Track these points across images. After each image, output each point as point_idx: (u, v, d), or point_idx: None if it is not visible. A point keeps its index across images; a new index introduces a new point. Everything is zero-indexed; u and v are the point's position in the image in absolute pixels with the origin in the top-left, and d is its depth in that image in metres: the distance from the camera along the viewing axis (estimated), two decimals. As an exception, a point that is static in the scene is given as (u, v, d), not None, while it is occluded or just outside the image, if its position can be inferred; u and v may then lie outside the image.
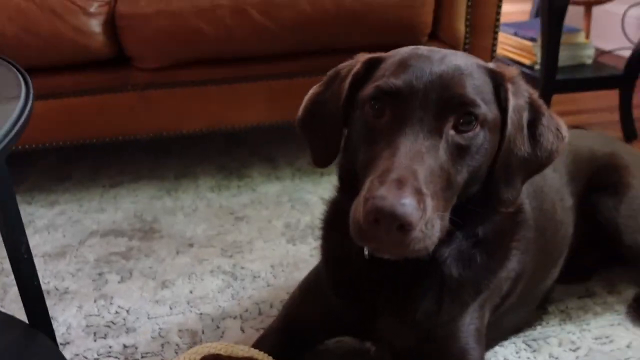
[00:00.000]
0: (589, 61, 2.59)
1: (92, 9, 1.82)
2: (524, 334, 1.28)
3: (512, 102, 0.88)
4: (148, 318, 1.38)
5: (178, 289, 1.49)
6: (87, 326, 1.36)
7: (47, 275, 1.56)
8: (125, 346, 1.29)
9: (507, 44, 2.83)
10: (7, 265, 1.10)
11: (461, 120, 0.83)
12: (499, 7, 1.97)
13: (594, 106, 2.73)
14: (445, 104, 0.82)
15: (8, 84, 0.95)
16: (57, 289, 1.51)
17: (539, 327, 1.31)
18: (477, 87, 0.85)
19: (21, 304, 1.12)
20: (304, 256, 1.61)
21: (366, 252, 0.93)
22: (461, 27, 1.96)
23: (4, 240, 1.04)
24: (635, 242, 1.30)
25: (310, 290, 1.19)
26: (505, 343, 1.26)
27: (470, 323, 1.00)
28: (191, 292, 1.48)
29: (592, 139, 1.46)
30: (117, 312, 1.41)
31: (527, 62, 2.65)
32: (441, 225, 0.80)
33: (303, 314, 1.18)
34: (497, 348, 1.24)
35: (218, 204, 1.94)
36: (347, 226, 0.81)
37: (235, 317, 1.37)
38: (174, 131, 2.03)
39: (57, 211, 1.94)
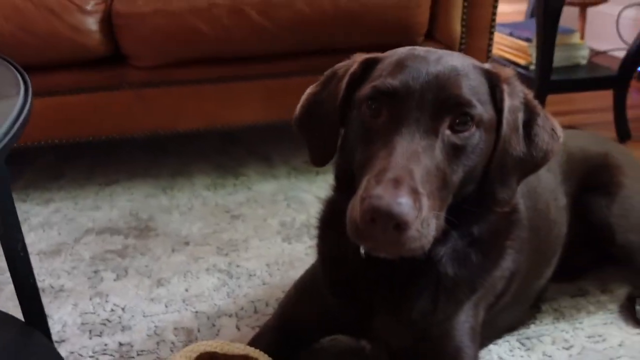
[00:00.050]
0: (584, 62, 2.61)
1: (88, 7, 1.82)
2: (518, 333, 1.29)
3: (507, 103, 0.88)
4: (143, 316, 1.38)
5: (173, 287, 1.49)
6: (83, 324, 1.36)
7: (42, 273, 1.56)
8: (120, 344, 1.29)
9: (503, 44, 2.84)
10: (2, 263, 1.10)
11: (457, 121, 0.84)
12: (495, 7, 1.98)
13: (588, 106, 2.74)
14: (442, 104, 0.83)
15: (7, 83, 0.95)
16: (52, 287, 1.51)
17: (532, 326, 1.32)
18: (473, 87, 0.86)
19: (17, 302, 1.12)
20: (300, 255, 1.62)
21: (362, 251, 0.94)
22: (457, 27, 1.97)
23: (0, 238, 1.04)
24: (628, 242, 1.31)
25: (306, 289, 1.19)
26: (500, 341, 1.27)
27: (465, 321, 1.01)
28: (187, 290, 1.48)
29: (586, 139, 1.47)
30: (112, 310, 1.41)
31: (522, 62, 2.66)
32: (437, 225, 0.80)
33: (299, 312, 1.19)
34: (491, 346, 1.25)
35: (214, 202, 1.94)
36: (343, 225, 0.81)
37: (230, 316, 1.37)
38: (170, 130, 2.03)
39: (52, 209, 1.93)
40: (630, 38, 2.84)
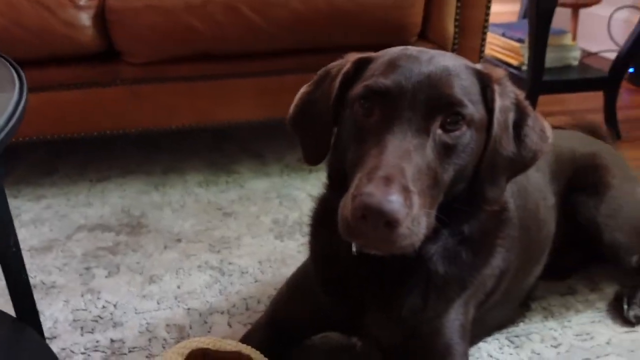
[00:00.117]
0: (575, 63, 2.63)
1: (81, 3, 1.81)
2: (507, 331, 1.31)
3: (498, 103, 0.89)
4: (135, 313, 1.38)
5: (165, 284, 1.50)
6: (74, 320, 1.36)
7: (33, 270, 1.56)
8: (112, 341, 1.29)
9: (495, 45, 2.86)
10: (-6, 258, 1.10)
11: (448, 120, 0.84)
12: (488, 8, 1.99)
13: (579, 107, 2.77)
14: (433, 103, 0.84)
15: (2, 78, 0.94)
16: (43, 283, 1.50)
17: (521, 324, 1.33)
18: (465, 87, 0.87)
19: (8, 298, 1.12)
20: (292, 252, 1.62)
21: (354, 249, 0.95)
22: (450, 27, 1.98)
23: (-8, 234, 1.04)
24: (615, 241, 1.33)
25: (297, 286, 1.20)
26: (489, 339, 1.28)
27: (455, 319, 1.02)
28: (179, 287, 1.48)
29: (575, 139, 1.49)
30: (104, 307, 1.41)
31: (514, 62, 2.68)
32: (427, 222, 0.81)
33: (290, 309, 1.19)
34: (480, 344, 1.26)
35: (206, 199, 1.94)
36: (335, 223, 0.82)
37: (222, 313, 1.38)
38: (162, 126, 2.02)
39: (43, 205, 1.93)
40: (621, 40, 2.86)
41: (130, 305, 1.41)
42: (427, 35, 2.04)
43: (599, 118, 2.45)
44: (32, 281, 1.46)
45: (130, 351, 1.26)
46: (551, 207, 1.30)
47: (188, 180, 2.08)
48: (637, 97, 2.95)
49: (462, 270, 0.99)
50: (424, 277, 0.98)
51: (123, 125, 1.99)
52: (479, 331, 1.19)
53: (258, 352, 1.07)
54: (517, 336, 1.30)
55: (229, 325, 1.34)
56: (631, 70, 2.98)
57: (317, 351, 1.25)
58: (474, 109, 0.86)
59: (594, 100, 2.57)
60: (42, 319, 1.30)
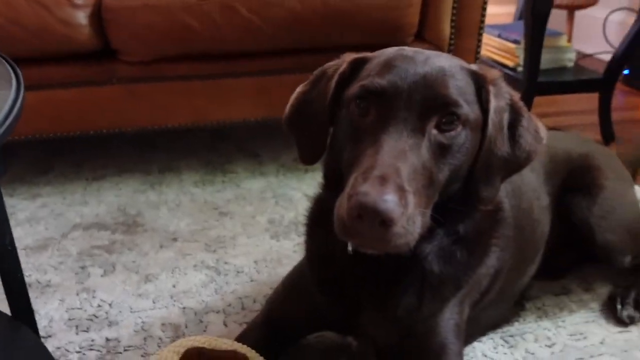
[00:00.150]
0: (571, 64, 2.64)
1: (78, 1, 1.81)
2: (502, 330, 1.31)
3: (493, 104, 0.90)
4: (131, 312, 1.38)
5: (161, 283, 1.50)
6: (70, 319, 1.36)
7: (28, 268, 1.56)
8: (107, 339, 1.29)
9: (491, 46, 2.87)
10: (-11, 257, 1.09)
11: (444, 120, 0.85)
12: (484, 9, 2.00)
13: (574, 108, 2.78)
14: (429, 103, 0.84)
15: (-1, 77, 0.94)
16: (39, 282, 1.50)
17: (516, 324, 1.34)
18: (460, 88, 0.87)
19: (3, 297, 1.12)
20: (288, 252, 1.62)
21: (350, 248, 0.95)
22: (446, 28, 1.99)
23: (-12, 233, 1.04)
24: (607, 242, 1.34)
25: (293, 286, 1.20)
26: (484, 339, 1.29)
27: (449, 318, 1.03)
28: (174, 286, 1.48)
29: (569, 140, 1.49)
30: (99, 306, 1.41)
31: (510, 63, 2.69)
32: (422, 222, 0.82)
33: (286, 309, 1.19)
34: (475, 344, 1.27)
35: (202, 199, 1.94)
36: (331, 223, 0.82)
37: (218, 312, 1.38)
38: (159, 125, 2.02)
39: (39, 204, 1.92)
40: (616, 42, 2.88)
41: (126, 304, 1.41)
42: (424, 36, 2.04)
43: (593, 119, 2.47)
44: (27, 280, 1.47)
45: (125, 350, 1.26)
46: (545, 208, 1.31)
47: (184, 179, 2.08)
48: (632, 99, 2.97)
49: (457, 270, 1.00)
50: (419, 276, 0.98)
51: (119, 124, 1.99)
52: (473, 330, 1.20)
53: (253, 351, 1.07)
54: (511, 336, 1.30)
55: (225, 324, 1.34)
56: (626, 72, 3.00)
57: (312, 351, 1.26)
58: (469, 109, 0.87)
59: (589, 101, 2.58)
60: (37, 317, 1.30)
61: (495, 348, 1.26)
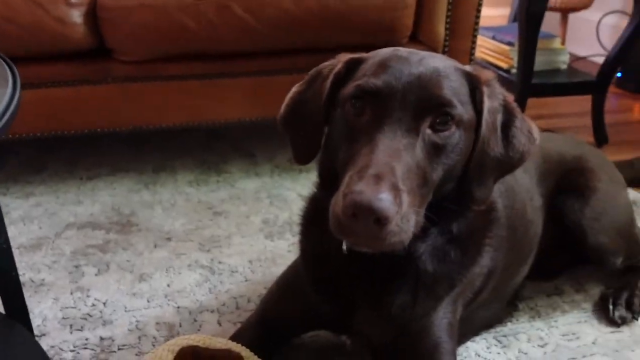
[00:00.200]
0: (564, 67, 2.65)
1: (73, 0, 1.80)
2: (495, 330, 1.32)
3: (487, 104, 0.91)
4: (125, 311, 1.38)
5: (156, 282, 1.50)
6: (63, 318, 1.36)
7: (22, 267, 1.55)
8: (101, 338, 1.29)
9: (486, 48, 2.88)
10: (-17, 256, 1.09)
11: (438, 120, 0.86)
12: (479, 11, 2.01)
13: (567, 110, 2.80)
14: (423, 104, 0.85)
15: (-5, 75, 0.94)
16: (32, 281, 1.50)
17: (509, 324, 1.35)
18: (454, 88, 0.88)
19: (-3, 295, 1.12)
20: (282, 252, 1.63)
21: (344, 247, 0.96)
22: (441, 30, 2.00)
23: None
24: (599, 244, 1.35)
25: (288, 285, 1.20)
26: (477, 338, 1.29)
27: (443, 317, 1.03)
28: (169, 285, 1.48)
29: (562, 142, 1.50)
30: (93, 305, 1.41)
31: (504, 65, 2.70)
32: (416, 221, 0.82)
33: (280, 308, 1.20)
34: (468, 343, 1.27)
35: (197, 198, 1.94)
36: (325, 222, 0.83)
37: (212, 311, 1.38)
38: (153, 125, 2.02)
39: (32, 203, 1.92)
40: (609, 44, 2.90)
41: (120, 303, 1.41)
42: (418, 37, 2.05)
43: (586, 122, 2.48)
44: (21, 279, 1.46)
45: (119, 349, 1.26)
46: (538, 209, 1.32)
47: (179, 179, 2.08)
48: (624, 101, 3.00)
49: (450, 269, 1.00)
50: (414, 275, 0.99)
51: (114, 123, 1.99)
52: (467, 330, 1.21)
53: (248, 349, 1.07)
54: (504, 336, 1.31)
55: (219, 323, 1.34)
56: (619, 74, 3.02)
57: (307, 350, 1.26)
58: (463, 109, 0.87)
59: (582, 103, 2.60)
60: (31, 316, 1.29)
61: (488, 348, 1.27)
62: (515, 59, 2.49)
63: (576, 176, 1.36)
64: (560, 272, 1.52)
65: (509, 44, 2.68)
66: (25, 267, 1.56)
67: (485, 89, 0.91)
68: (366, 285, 1.01)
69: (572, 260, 1.50)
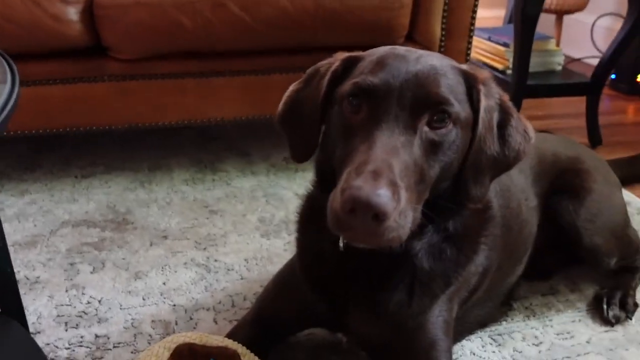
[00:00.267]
0: (559, 68, 2.67)
1: (69, -3, 1.80)
2: (490, 329, 1.33)
3: (483, 103, 0.91)
4: (120, 308, 1.38)
5: (151, 280, 1.49)
6: (58, 316, 1.35)
7: (17, 265, 1.54)
8: (97, 336, 1.29)
9: (481, 48, 2.89)
10: (-22, 252, 1.09)
11: (435, 118, 0.86)
12: (474, 12, 2.02)
13: (562, 112, 2.81)
14: (420, 101, 0.85)
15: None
16: (27, 279, 1.49)
17: (504, 323, 1.35)
18: (451, 86, 0.88)
19: (-8, 292, 1.12)
20: (278, 250, 1.63)
21: (341, 244, 0.96)
22: (437, 30, 2.00)
23: (-22, 228, 1.03)
24: (593, 245, 1.35)
25: (284, 283, 1.20)
26: (472, 337, 1.30)
27: (439, 315, 1.04)
28: (164, 283, 1.48)
29: (557, 142, 1.51)
30: (89, 302, 1.40)
31: (499, 66, 2.71)
32: (414, 217, 0.83)
33: (276, 306, 1.20)
34: (464, 342, 1.28)
35: (192, 197, 1.94)
36: (322, 221, 0.83)
37: (208, 309, 1.38)
38: (149, 123, 2.01)
39: (27, 200, 1.91)
40: (604, 46, 2.92)
41: (116, 301, 1.41)
42: (414, 37, 2.06)
43: (580, 123, 2.50)
44: (15, 276, 1.46)
45: (115, 347, 1.26)
46: (533, 208, 1.32)
47: (174, 177, 2.08)
48: (618, 103, 3.01)
49: (446, 267, 1.01)
50: (410, 272, 0.99)
51: (109, 121, 1.98)
52: (462, 329, 1.21)
53: (244, 347, 1.07)
54: (499, 334, 1.32)
55: (215, 321, 1.34)
56: (613, 76, 3.04)
57: (303, 348, 1.26)
58: (459, 107, 0.88)
59: (576, 105, 2.62)
60: (25, 314, 1.29)
61: (483, 346, 1.28)
62: (511, 60, 2.50)
63: (571, 177, 1.37)
64: (555, 271, 1.52)
65: (505, 45, 2.69)
66: (20, 264, 1.55)
67: (481, 88, 0.92)
68: (362, 283, 1.01)
69: (567, 260, 1.51)
